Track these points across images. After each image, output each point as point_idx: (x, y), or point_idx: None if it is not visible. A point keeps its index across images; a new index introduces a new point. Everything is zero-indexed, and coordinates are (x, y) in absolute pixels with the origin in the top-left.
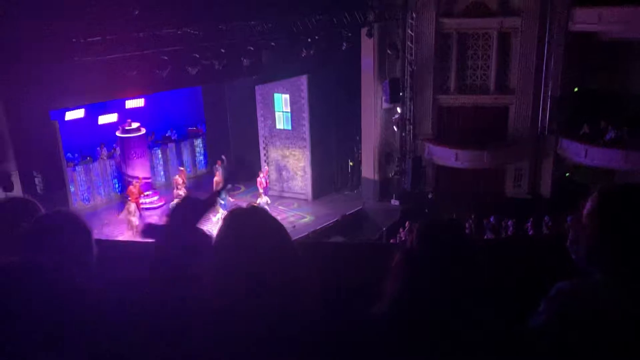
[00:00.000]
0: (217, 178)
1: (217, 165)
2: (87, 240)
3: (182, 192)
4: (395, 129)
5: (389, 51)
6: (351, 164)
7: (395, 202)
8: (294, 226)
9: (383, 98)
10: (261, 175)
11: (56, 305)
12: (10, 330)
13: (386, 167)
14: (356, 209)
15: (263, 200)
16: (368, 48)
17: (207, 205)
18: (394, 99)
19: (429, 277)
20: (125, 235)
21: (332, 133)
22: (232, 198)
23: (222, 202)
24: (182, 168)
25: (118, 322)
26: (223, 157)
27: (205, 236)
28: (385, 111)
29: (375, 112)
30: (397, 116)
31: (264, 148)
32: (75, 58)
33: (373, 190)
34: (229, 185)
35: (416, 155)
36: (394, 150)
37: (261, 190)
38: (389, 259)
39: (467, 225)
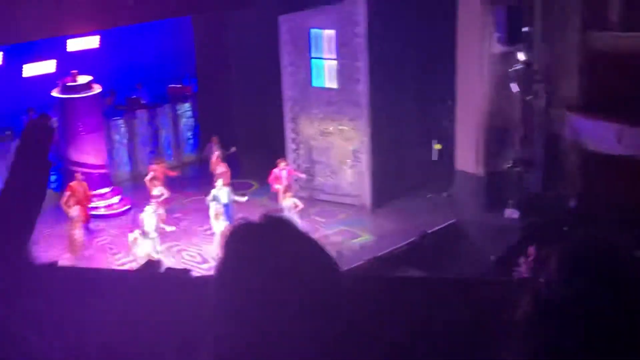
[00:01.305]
0: (215, 159)
1: (211, 144)
2: (26, 262)
3: (159, 191)
4: (515, 89)
5: None
6: (438, 147)
7: (512, 212)
8: (341, 251)
9: (495, 36)
10: (282, 165)
11: None
12: None
13: (498, 153)
14: (445, 224)
15: (289, 203)
16: None
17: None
18: (513, 37)
19: (579, 335)
20: (66, 258)
21: (405, 95)
22: (241, 198)
23: (221, 203)
24: (158, 162)
25: None
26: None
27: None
28: (498, 58)
29: (480, 59)
30: (518, 67)
31: (292, 119)
32: None
33: (474, 192)
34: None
35: (551, 133)
36: (511, 124)
37: (279, 187)
38: (504, 306)
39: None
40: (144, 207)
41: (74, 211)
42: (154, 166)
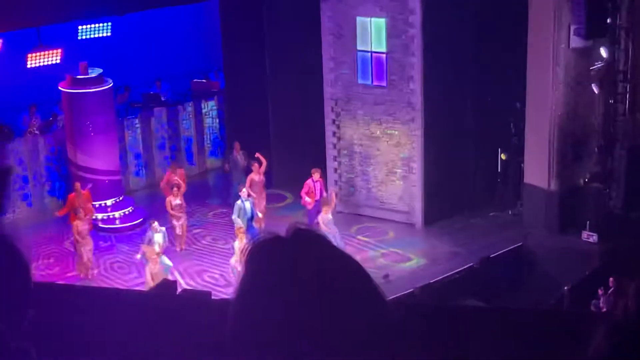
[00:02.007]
0: (255, 176)
1: (235, 153)
2: (24, 281)
3: (179, 200)
4: (596, 90)
5: None
6: (504, 157)
7: (590, 235)
8: (387, 276)
9: (572, 29)
10: (316, 176)
11: None
12: None
13: (574, 165)
14: (510, 247)
15: (327, 218)
16: None
17: None
18: (593, 30)
19: None
20: (74, 275)
21: (466, 96)
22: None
23: (246, 216)
24: (174, 168)
25: None
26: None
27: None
28: (575, 55)
29: (555, 56)
30: (599, 65)
31: (335, 121)
32: None
33: (545, 210)
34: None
35: (636, 143)
36: (590, 132)
37: (309, 200)
38: (577, 342)
39: None
40: (160, 219)
41: (80, 226)
42: (171, 173)
